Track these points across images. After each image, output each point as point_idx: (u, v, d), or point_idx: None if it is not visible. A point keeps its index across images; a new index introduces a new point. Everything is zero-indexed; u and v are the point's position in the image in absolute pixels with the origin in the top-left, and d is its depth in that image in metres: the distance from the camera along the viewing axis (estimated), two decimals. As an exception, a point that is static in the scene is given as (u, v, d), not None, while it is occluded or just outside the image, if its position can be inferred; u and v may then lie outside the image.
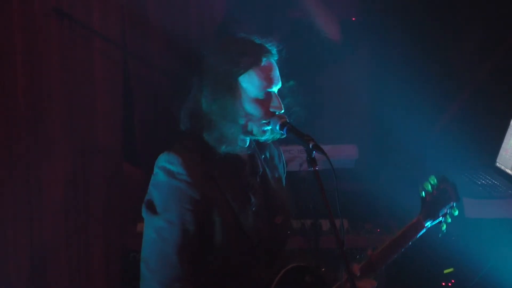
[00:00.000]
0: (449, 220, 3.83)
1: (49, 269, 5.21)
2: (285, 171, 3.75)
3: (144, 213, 3.36)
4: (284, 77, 3.42)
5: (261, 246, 3.43)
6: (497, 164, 5.23)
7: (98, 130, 5.32)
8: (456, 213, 3.84)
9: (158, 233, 3.29)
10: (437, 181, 3.83)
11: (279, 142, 3.60)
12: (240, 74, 3.31)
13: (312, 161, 3.18)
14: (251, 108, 3.33)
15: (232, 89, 3.31)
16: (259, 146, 3.57)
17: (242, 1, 4.95)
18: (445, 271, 4.98)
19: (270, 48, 3.38)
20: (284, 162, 3.75)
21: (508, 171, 5.10)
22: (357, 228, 4.88)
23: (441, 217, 3.80)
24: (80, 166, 5.25)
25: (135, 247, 4.70)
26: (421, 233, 3.74)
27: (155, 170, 3.35)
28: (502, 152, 5.21)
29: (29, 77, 5.05)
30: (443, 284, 5.07)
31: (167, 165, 3.32)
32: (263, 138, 3.41)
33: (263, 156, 3.57)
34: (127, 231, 5.00)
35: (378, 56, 5.79)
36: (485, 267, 4.72)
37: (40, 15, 5.05)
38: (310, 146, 3.18)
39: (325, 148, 3.21)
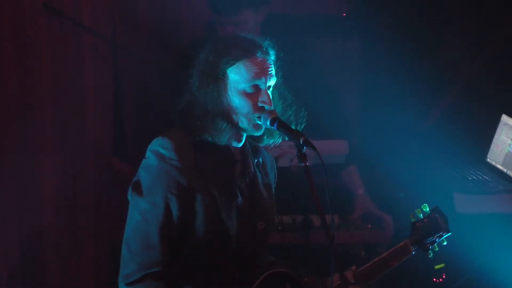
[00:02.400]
0: (437, 249, 3.88)
1: (39, 265, 5.20)
2: (276, 180, 3.75)
3: (130, 194, 3.38)
4: (282, 81, 3.45)
5: (239, 247, 3.43)
6: (488, 160, 5.25)
7: (88, 126, 5.30)
8: (445, 243, 3.90)
9: (141, 215, 3.31)
10: (429, 209, 3.87)
11: None
12: (231, 65, 3.33)
13: (302, 157, 3.18)
14: (238, 101, 3.34)
15: (219, 80, 3.33)
16: (254, 150, 3.57)
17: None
18: (436, 267, 4.99)
19: (265, 46, 3.39)
20: (275, 171, 3.75)
21: (499, 166, 5.12)
22: (347, 223, 4.88)
23: (429, 245, 3.85)
24: (70, 161, 5.24)
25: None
26: (407, 257, 3.78)
27: (147, 153, 3.38)
28: (493, 147, 5.23)
29: (18, 72, 5.04)
30: (434, 279, 5.09)
31: (159, 149, 3.34)
32: (258, 133, 3.40)
33: (256, 160, 3.57)
34: (118, 226, 4.97)
35: (369, 52, 5.78)
36: (476, 262, 4.75)
37: (30, 11, 5.03)
38: (301, 141, 3.18)
39: (316, 143, 3.21)
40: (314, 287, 3.61)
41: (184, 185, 3.31)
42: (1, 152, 5.03)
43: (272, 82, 3.39)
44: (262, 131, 3.40)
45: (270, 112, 3.33)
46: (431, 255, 3.86)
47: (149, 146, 3.39)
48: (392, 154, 5.30)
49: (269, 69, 3.37)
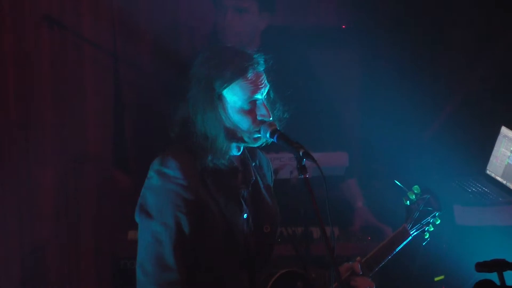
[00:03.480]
0: (432, 228, 3.89)
1: (39, 278, 5.20)
2: (273, 180, 3.75)
3: (138, 217, 3.37)
4: (272, 85, 3.43)
5: (247, 252, 3.44)
6: (488, 172, 5.25)
7: (89, 137, 5.33)
8: (438, 222, 3.90)
9: (153, 237, 3.30)
10: (420, 190, 3.89)
11: (268, 149, 3.60)
12: (225, 87, 3.32)
13: (302, 169, 3.19)
14: (238, 119, 3.35)
15: (215, 103, 3.32)
16: (251, 154, 3.57)
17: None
18: (436, 279, 4.99)
19: (257, 58, 3.37)
20: (272, 171, 3.75)
21: (498, 178, 5.13)
22: (347, 235, 4.89)
23: (424, 226, 3.87)
24: (71, 173, 5.26)
25: (126, 255, 4.73)
26: (407, 240, 3.80)
27: (150, 173, 3.36)
28: (492, 159, 5.23)
29: (19, 83, 5.07)
30: (434, 292, 5.09)
31: (162, 169, 3.33)
32: (257, 145, 3.41)
33: (253, 164, 3.57)
34: (118, 238, 4.99)
35: (368, 63, 5.79)
36: (475, 274, 4.74)
37: (31, 22, 5.07)
38: (300, 153, 3.19)
39: (316, 155, 3.21)
40: (324, 281, 3.61)
41: (192, 201, 3.31)
42: (2, 164, 5.05)
43: (266, 91, 3.39)
44: (261, 142, 3.40)
45: (270, 125, 3.34)
46: (427, 236, 3.88)
47: (151, 165, 3.37)
48: (392, 165, 5.32)
49: (263, 81, 3.37)
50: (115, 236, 5.11)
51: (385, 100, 5.53)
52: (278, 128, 3.35)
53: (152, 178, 3.35)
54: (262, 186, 3.58)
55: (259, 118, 3.35)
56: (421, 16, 5.79)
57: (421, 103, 5.60)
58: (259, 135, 3.36)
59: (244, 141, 3.39)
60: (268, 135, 3.33)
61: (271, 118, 3.37)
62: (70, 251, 5.29)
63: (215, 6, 4.97)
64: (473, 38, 5.81)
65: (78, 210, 5.30)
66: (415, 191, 3.88)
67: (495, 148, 5.22)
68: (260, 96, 3.36)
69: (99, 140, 5.36)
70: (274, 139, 3.32)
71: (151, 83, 5.44)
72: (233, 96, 3.33)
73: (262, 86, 3.36)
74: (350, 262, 3.67)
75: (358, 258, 3.69)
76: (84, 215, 5.32)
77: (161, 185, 3.32)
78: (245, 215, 3.44)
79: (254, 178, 3.53)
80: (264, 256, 3.53)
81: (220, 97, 3.33)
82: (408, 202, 3.87)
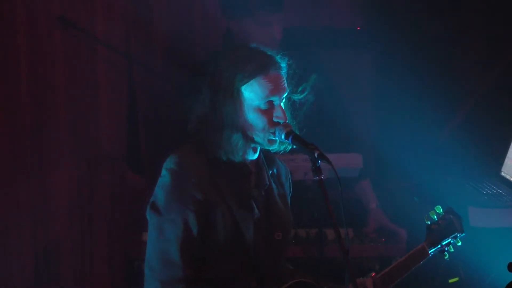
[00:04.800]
0: (452, 250, 3.91)
1: (53, 278, 5.20)
2: (291, 190, 3.75)
3: (148, 213, 3.40)
4: (289, 87, 3.44)
5: (257, 258, 3.44)
6: (502, 173, 5.23)
7: (103, 138, 5.33)
8: (459, 243, 3.91)
9: (161, 233, 3.33)
10: (442, 210, 3.90)
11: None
12: (245, 82, 3.34)
13: (317, 170, 3.20)
14: (253, 117, 3.36)
15: (234, 97, 3.34)
16: (268, 161, 3.59)
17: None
18: (450, 281, 4.98)
19: (279, 60, 3.39)
20: (290, 181, 3.76)
21: (513, 180, 5.10)
22: (361, 237, 4.88)
23: (444, 247, 3.88)
24: (85, 174, 5.25)
25: (139, 256, 4.69)
26: (425, 259, 3.81)
27: (163, 171, 3.39)
28: (507, 161, 5.20)
29: (33, 85, 5.07)
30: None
31: (173, 167, 3.35)
32: (272, 148, 3.42)
33: (270, 172, 3.58)
34: (132, 239, 5.00)
35: (383, 64, 5.79)
36: (490, 276, 4.73)
37: (45, 24, 5.07)
38: (315, 155, 3.21)
39: (330, 157, 3.23)
40: None
41: (201, 199, 3.32)
42: (16, 165, 5.06)
43: (284, 96, 3.40)
44: (276, 145, 3.41)
45: (285, 126, 3.36)
46: (447, 257, 3.88)
47: (164, 164, 3.40)
48: (406, 167, 5.29)
49: (283, 84, 3.39)
50: (129, 237, 5.14)
51: (399, 101, 5.53)
52: (293, 130, 3.36)
53: (164, 177, 3.38)
54: (276, 193, 3.58)
55: (274, 119, 3.37)
56: (436, 16, 5.79)
57: (436, 104, 5.60)
58: (274, 138, 3.36)
59: (257, 142, 3.39)
60: (283, 136, 3.34)
61: (287, 120, 3.37)
62: (83, 252, 5.29)
63: (227, 18, 4.98)
64: (489, 38, 5.80)
65: (92, 211, 5.29)
66: (437, 211, 3.89)
67: (510, 150, 5.19)
68: (278, 97, 3.37)
69: (113, 141, 5.34)
70: (289, 141, 3.33)
71: (165, 85, 5.45)
72: (251, 93, 3.35)
73: (282, 88, 3.38)
74: (363, 278, 3.66)
75: (373, 273, 3.69)
76: (98, 216, 5.32)
77: (171, 183, 3.34)
78: (255, 218, 3.44)
79: (267, 183, 3.53)
80: (273, 263, 3.52)
81: (239, 92, 3.34)
82: (429, 221, 3.88)
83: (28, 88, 5.07)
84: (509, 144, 5.21)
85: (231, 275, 3.40)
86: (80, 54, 5.20)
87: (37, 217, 5.13)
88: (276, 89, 3.36)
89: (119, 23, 5.33)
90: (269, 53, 3.41)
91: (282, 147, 3.46)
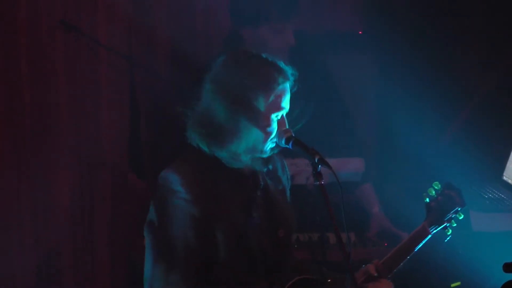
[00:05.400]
0: (454, 224, 3.82)
1: (54, 282, 5.23)
2: (289, 183, 3.74)
3: (146, 232, 3.39)
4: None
5: (264, 259, 3.43)
6: (504, 178, 5.21)
7: (104, 142, 5.32)
8: (461, 217, 3.83)
9: (160, 253, 3.31)
10: (441, 186, 3.83)
11: (284, 155, 3.62)
12: (255, 94, 3.30)
13: (318, 175, 3.21)
14: (261, 127, 3.34)
15: (242, 107, 3.30)
16: (262, 159, 3.53)
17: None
18: (452, 285, 4.97)
19: (286, 71, 3.37)
20: (288, 174, 3.74)
21: (515, 184, 5.09)
22: (364, 241, 4.89)
23: (446, 223, 3.80)
24: (86, 177, 5.26)
25: (142, 260, 4.70)
26: (426, 239, 3.75)
27: (158, 188, 3.36)
28: (509, 165, 5.19)
29: (35, 88, 5.08)
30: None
31: (166, 183, 3.32)
32: (267, 155, 3.41)
33: (265, 169, 3.54)
34: (134, 244, 5.01)
35: (385, 68, 5.78)
36: (491, 280, 4.72)
37: (47, 28, 5.08)
38: (316, 160, 3.20)
39: (332, 161, 3.23)
40: (340, 287, 3.60)
41: (198, 216, 3.29)
42: (17, 166, 5.08)
43: (287, 109, 3.40)
44: (277, 150, 3.41)
45: (285, 131, 3.35)
46: (450, 232, 3.81)
47: (159, 179, 3.36)
48: (408, 171, 5.33)
49: (288, 98, 3.38)
50: (131, 241, 5.15)
51: (401, 104, 5.50)
52: (293, 135, 3.36)
53: (158, 193, 3.35)
54: (273, 190, 3.56)
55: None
56: (437, 19, 5.78)
57: (438, 107, 5.59)
58: (273, 145, 3.36)
59: (259, 152, 3.38)
60: (283, 141, 3.34)
61: (287, 126, 3.38)
62: (85, 255, 5.30)
63: (238, 24, 4.91)
64: (491, 40, 5.79)
65: (93, 215, 5.30)
66: (435, 187, 3.82)
67: (512, 154, 5.19)
68: (284, 112, 3.37)
69: (114, 144, 5.33)
70: (290, 146, 3.32)
71: (167, 88, 5.39)
72: (261, 104, 3.32)
73: (286, 103, 3.36)
74: (366, 265, 3.67)
75: (375, 260, 3.68)
76: (99, 220, 5.32)
77: (166, 200, 3.31)
78: (255, 222, 3.43)
79: (262, 183, 3.51)
80: (281, 261, 3.51)
81: (248, 103, 3.31)
82: (427, 199, 3.81)
83: (29, 90, 5.08)
84: (511, 148, 5.21)
85: (240, 283, 3.39)
86: (82, 57, 5.19)
87: (39, 218, 5.14)
88: (282, 107, 3.35)
89: (121, 26, 5.32)
90: (282, 66, 3.38)
91: (276, 150, 3.45)
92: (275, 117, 3.34)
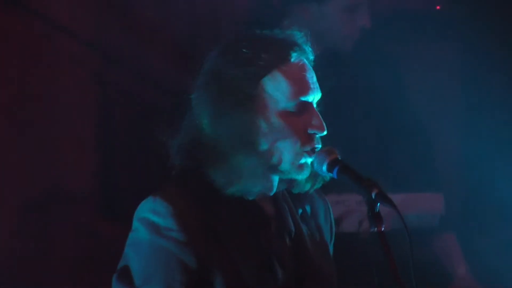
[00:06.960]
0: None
1: None
2: (333, 234, 3.65)
3: (116, 285, 3.25)
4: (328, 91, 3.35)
5: None
6: None
7: (64, 170, 5.34)
8: None
9: None
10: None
11: (326, 188, 3.48)
12: (261, 77, 3.20)
13: (375, 218, 3.05)
14: (279, 125, 3.20)
15: (247, 100, 3.20)
16: (294, 195, 3.45)
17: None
18: None
19: (301, 41, 3.30)
20: (332, 221, 3.66)
21: None
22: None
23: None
24: (34, 215, 5.26)
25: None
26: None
27: (134, 224, 3.27)
28: None
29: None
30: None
31: (150, 217, 3.23)
32: (299, 177, 3.25)
33: (301, 211, 3.45)
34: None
35: (472, 61, 5.79)
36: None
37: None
38: (373, 195, 3.05)
39: (396, 198, 3.10)
40: None
41: (192, 266, 3.19)
42: None
43: (319, 94, 3.30)
44: (307, 173, 3.27)
45: (328, 152, 3.20)
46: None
47: (136, 212, 3.31)
48: (507, 213, 5.30)
49: (314, 78, 3.29)
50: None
51: (495, 118, 5.55)
52: (340, 157, 3.20)
53: (137, 231, 3.27)
54: (309, 241, 3.46)
55: (310, 130, 3.22)
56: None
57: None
58: (307, 161, 3.22)
59: (280, 170, 3.25)
60: (324, 168, 3.19)
61: (325, 132, 3.21)
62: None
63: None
64: None
65: (43, 262, 5.32)
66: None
67: None
68: (312, 95, 3.24)
69: (76, 171, 5.39)
70: (334, 174, 3.17)
71: (149, 89, 5.48)
72: (274, 91, 3.23)
73: (313, 82, 3.26)
74: None
75: None
76: (52, 269, 5.34)
77: (149, 241, 3.23)
78: (279, 282, 3.30)
79: (294, 229, 3.39)
80: None
81: (256, 92, 3.22)
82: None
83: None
84: None
85: None
86: (29, 44, 5.22)
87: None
88: (307, 83, 3.26)
89: (86, 5, 5.39)
90: (287, 34, 3.37)
91: (309, 185, 3.37)
92: (295, 104, 3.25)
